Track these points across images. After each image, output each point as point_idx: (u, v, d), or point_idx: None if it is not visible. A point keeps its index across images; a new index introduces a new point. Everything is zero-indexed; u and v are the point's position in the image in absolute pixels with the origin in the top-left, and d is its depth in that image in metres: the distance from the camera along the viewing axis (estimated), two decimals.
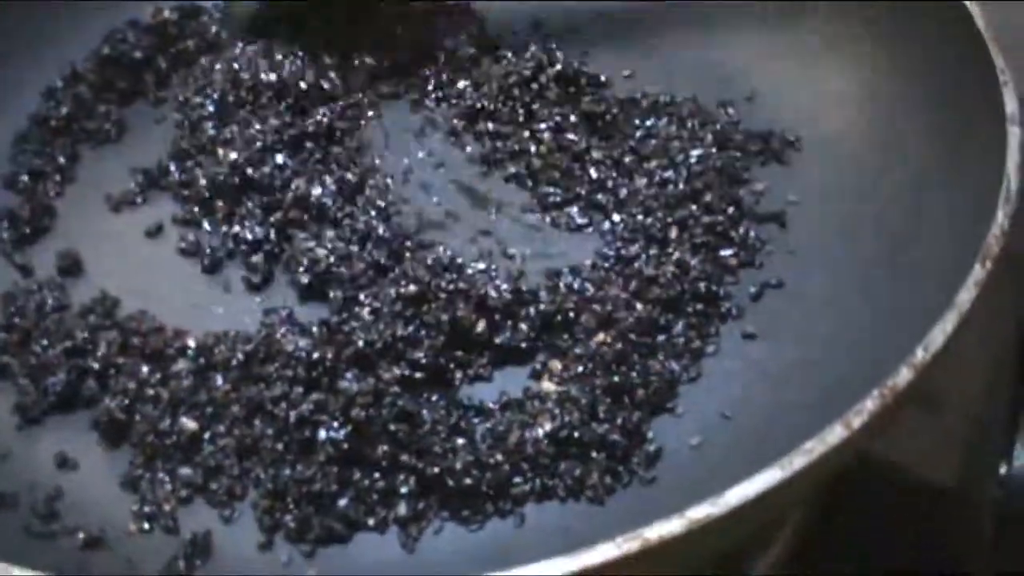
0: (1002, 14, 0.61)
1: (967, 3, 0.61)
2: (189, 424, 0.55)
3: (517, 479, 0.53)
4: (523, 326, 0.58)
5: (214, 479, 0.54)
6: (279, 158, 0.65)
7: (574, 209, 0.65)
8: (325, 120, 0.67)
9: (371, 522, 0.53)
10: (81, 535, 0.52)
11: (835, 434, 0.45)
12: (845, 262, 0.61)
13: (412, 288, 0.57)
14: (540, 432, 0.54)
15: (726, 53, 0.73)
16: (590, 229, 0.64)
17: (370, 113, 0.70)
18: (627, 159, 0.66)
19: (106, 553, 0.52)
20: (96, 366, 0.58)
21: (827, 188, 0.65)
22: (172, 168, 0.67)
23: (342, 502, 0.53)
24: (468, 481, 0.52)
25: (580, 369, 0.57)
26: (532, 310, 0.58)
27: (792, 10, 0.71)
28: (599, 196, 0.65)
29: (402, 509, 0.53)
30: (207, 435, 0.55)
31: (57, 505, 0.54)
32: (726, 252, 0.62)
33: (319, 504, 0.52)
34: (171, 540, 0.53)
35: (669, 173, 0.65)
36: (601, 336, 0.58)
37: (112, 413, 0.56)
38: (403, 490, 0.53)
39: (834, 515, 0.63)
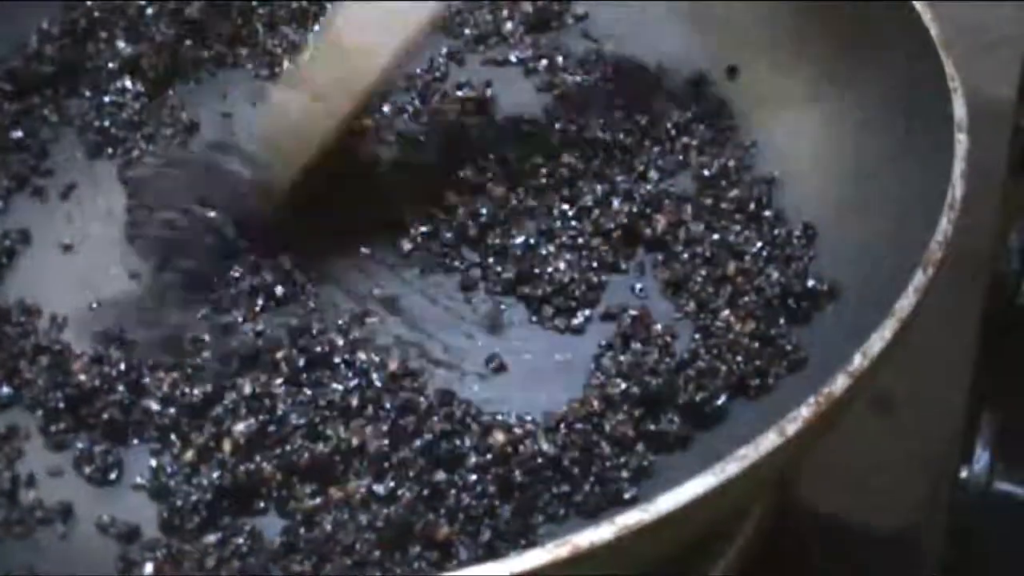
0: (953, 19, 0.61)
1: (918, 8, 0.61)
2: None
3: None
4: None
5: None
6: None
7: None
8: None
9: None
10: None
11: (769, 441, 0.45)
12: None
13: None
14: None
15: (681, 61, 0.73)
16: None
17: None
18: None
19: None
20: None
21: (776, 188, 0.66)
22: None
23: None
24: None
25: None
26: None
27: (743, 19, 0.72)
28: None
29: None
30: None
31: None
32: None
33: None
34: None
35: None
36: None
37: None
38: None
39: (785, 520, 0.63)
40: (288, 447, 0.54)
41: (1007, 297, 0.70)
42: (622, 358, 0.58)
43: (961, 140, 0.55)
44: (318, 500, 0.53)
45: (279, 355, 0.58)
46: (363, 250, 0.65)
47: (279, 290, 0.62)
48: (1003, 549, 0.64)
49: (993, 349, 0.70)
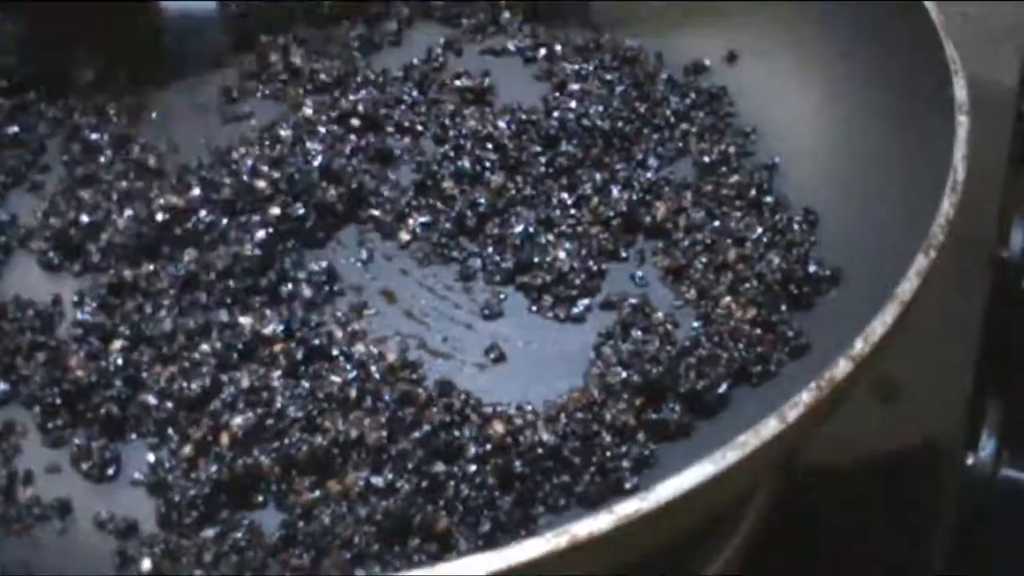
0: (956, 11, 0.61)
1: None
2: None
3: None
4: None
5: None
6: None
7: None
8: None
9: None
10: None
11: (769, 428, 0.44)
12: None
13: None
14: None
15: (683, 48, 0.73)
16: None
17: None
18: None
19: None
20: None
21: (776, 174, 0.66)
22: None
23: None
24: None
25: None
26: None
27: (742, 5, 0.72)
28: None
29: None
30: None
31: None
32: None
33: None
34: None
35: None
36: None
37: None
38: None
39: (791, 509, 0.62)
40: (286, 440, 0.54)
41: (1010, 284, 0.70)
42: (622, 347, 0.58)
43: (962, 122, 0.55)
44: (317, 493, 0.53)
45: (277, 348, 0.57)
46: (361, 240, 0.65)
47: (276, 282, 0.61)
48: (1009, 535, 0.64)
49: (997, 336, 0.70)
